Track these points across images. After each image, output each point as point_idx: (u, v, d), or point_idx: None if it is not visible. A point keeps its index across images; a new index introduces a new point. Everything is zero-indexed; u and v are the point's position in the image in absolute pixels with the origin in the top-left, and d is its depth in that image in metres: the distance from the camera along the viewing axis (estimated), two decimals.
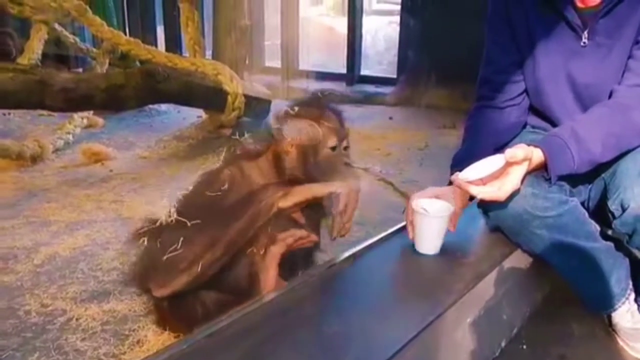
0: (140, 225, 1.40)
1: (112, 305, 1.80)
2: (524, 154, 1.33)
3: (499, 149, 1.60)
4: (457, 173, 1.41)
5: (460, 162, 1.58)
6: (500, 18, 1.61)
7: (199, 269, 1.28)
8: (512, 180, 1.35)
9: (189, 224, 1.28)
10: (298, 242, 1.37)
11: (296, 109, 1.47)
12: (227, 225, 1.31)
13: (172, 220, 1.32)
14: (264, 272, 1.34)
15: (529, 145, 1.36)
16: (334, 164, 1.41)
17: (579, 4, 1.47)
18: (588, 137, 1.38)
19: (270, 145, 1.48)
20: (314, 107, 1.47)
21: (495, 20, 1.64)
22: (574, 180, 1.50)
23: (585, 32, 1.47)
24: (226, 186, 1.40)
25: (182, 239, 1.27)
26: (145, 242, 1.34)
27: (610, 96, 1.47)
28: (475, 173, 1.37)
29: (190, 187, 1.46)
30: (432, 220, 1.47)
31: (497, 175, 1.36)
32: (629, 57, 1.44)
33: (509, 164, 1.34)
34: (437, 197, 1.53)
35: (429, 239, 1.49)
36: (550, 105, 1.59)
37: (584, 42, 1.48)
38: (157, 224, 1.34)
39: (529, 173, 1.39)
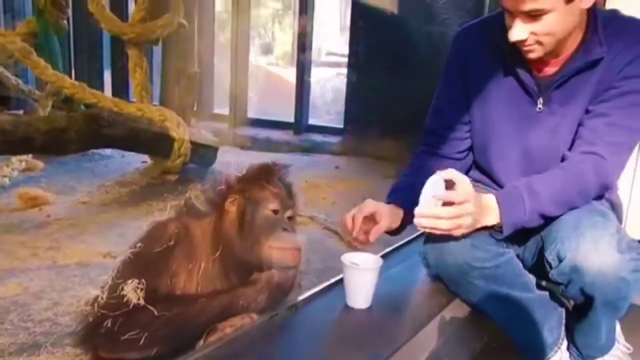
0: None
1: (42, 358, 1.72)
2: (463, 197, 1.37)
3: None
4: (416, 212, 1.41)
5: (396, 192, 1.63)
6: (457, 72, 1.66)
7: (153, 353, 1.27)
8: (466, 219, 1.39)
9: (155, 312, 1.26)
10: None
11: (244, 171, 1.48)
12: (188, 315, 1.31)
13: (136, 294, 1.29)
14: None
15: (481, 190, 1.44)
16: (273, 228, 1.40)
17: (538, 73, 1.54)
18: (542, 192, 1.43)
19: (215, 207, 1.47)
20: (263, 171, 1.48)
21: (451, 73, 1.68)
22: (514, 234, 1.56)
23: (541, 99, 1.53)
24: (172, 242, 1.38)
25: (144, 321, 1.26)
26: (103, 300, 1.30)
27: (562, 161, 1.52)
28: (427, 205, 1.39)
29: (137, 240, 1.42)
30: (362, 273, 1.48)
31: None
32: (580, 124, 1.51)
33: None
34: (372, 213, 1.53)
35: (360, 293, 1.49)
36: (494, 164, 1.64)
37: (540, 108, 1.54)
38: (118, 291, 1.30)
39: (482, 229, 1.44)
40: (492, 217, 1.43)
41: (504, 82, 1.58)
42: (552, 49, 1.45)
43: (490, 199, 1.43)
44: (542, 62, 1.52)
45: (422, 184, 1.60)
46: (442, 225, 1.38)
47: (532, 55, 1.46)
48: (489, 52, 1.58)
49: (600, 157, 1.45)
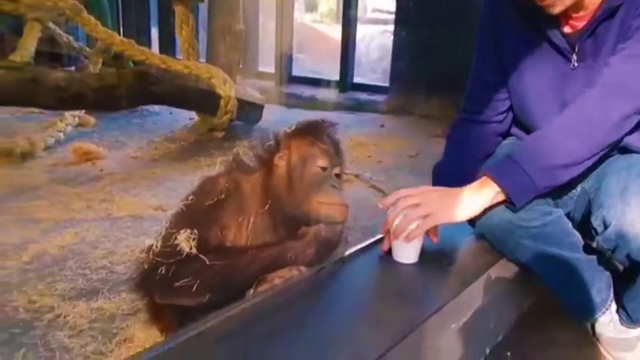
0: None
1: (100, 303, 1.80)
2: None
3: (480, 161, 1.63)
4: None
5: (443, 173, 1.63)
6: (488, 37, 1.64)
7: (205, 301, 1.31)
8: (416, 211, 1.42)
9: (207, 261, 1.30)
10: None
11: (294, 127, 1.49)
12: (238, 265, 1.34)
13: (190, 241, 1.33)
14: None
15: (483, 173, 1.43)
16: (321, 184, 1.42)
17: (567, 29, 1.49)
18: (536, 146, 1.42)
19: (264, 163, 1.49)
20: (312, 128, 1.49)
21: (483, 38, 1.66)
22: (558, 191, 1.53)
23: (574, 55, 1.49)
24: (222, 196, 1.41)
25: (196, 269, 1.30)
26: (157, 248, 1.35)
27: None
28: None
29: (188, 194, 1.46)
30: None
31: None
32: None
33: None
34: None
35: (407, 247, 1.49)
36: (535, 122, 1.60)
37: (574, 65, 1.49)
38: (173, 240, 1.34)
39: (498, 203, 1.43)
40: (486, 192, 1.41)
41: (535, 43, 1.54)
42: (574, 2, 1.40)
43: (481, 178, 1.43)
44: (570, 17, 1.47)
45: (463, 160, 1.63)
46: (400, 227, 1.42)
47: (553, 11, 1.41)
48: (517, 13, 1.53)
49: (606, 84, 1.39)
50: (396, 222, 1.43)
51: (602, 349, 1.57)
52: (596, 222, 1.45)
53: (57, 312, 1.75)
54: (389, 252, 1.51)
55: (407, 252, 1.49)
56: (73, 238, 2.31)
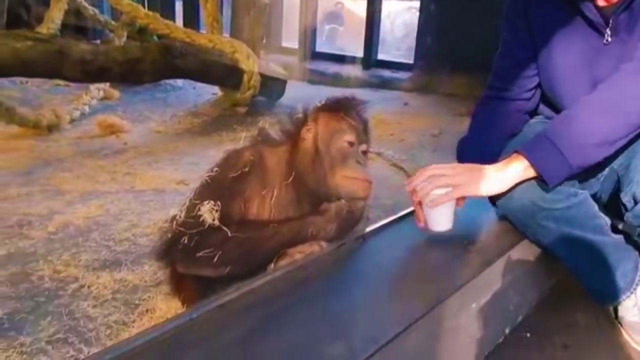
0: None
1: (123, 274, 1.83)
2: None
3: (505, 139, 1.61)
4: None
5: (467, 148, 1.60)
6: (518, 11, 1.59)
7: (226, 272, 1.32)
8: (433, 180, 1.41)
9: (229, 233, 1.31)
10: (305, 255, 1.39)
11: (323, 102, 1.49)
12: (259, 238, 1.35)
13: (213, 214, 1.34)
14: None
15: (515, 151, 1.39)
16: (346, 158, 1.42)
17: (601, 3, 1.44)
18: (567, 124, 1.37)
19: (290, 136, 1.49)
20: (342, 104, 1.49)
21: (512, 13, 1.62)
22: (586, 172, 1.50)
23: (608, 30, 1.44)
24: (247, 169, 1.42)
25: (218, 241, 1.31)
26: (181, 218, 1.36)
27: None
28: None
29: (214, 166, 1.46)
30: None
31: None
32: None
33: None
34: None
35: (441, 216, 1.48)
36: (564, 101, 1.57)
37: (607, 40, 1.45)
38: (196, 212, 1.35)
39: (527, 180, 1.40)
40: (515, 166, 1.39)
41: (567, 16, 1.49)
42: None
43: (512, 155, 1.40)
44: None
45: (489, 137, 1.60)
46: (424, 189, 1.41)
47: None
48: None
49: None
50: (420, 185, 1.41)
51: (624, 333, 1.55)
52: (626, 199, 1.43)
53: (82, 282, 1.78)
54: (410, 232, 1.50)
55: (441, 218, 1.46)
56: (97, 210, 2.35)
